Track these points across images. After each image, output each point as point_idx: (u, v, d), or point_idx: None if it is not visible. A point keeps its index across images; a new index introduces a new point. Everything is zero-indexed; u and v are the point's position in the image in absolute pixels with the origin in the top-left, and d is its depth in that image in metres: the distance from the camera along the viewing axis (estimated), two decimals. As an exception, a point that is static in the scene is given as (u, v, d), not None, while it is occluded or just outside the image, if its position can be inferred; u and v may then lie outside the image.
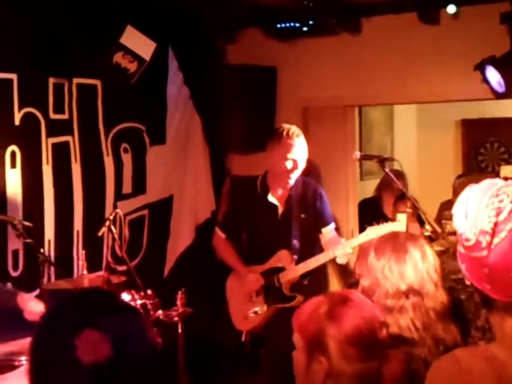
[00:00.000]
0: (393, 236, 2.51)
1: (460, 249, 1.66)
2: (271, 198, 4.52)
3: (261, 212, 4.55)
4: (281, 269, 4.47)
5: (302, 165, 4.42)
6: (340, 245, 4.28)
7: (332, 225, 4.62)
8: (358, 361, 1.93)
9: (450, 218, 6.45)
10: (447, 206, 6.76)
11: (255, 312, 4.35)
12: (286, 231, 4.49)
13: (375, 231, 4.18)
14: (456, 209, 1.68)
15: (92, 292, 1.66)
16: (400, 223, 4.12)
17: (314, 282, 4.64)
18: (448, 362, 1.66)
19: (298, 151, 4.38)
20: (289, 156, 4.35)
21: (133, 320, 1.48)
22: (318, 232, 4.58)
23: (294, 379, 2.08)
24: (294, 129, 4.44)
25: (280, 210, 4.54)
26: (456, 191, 6.54)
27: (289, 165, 4.37)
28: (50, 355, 1.43)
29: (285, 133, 4.38)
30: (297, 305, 4.31)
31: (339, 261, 4.31)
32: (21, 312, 3.66)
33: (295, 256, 4.46)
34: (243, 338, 4.52)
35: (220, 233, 4.73)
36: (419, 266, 2.37)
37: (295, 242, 4.48)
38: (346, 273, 5.85)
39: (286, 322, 4.33)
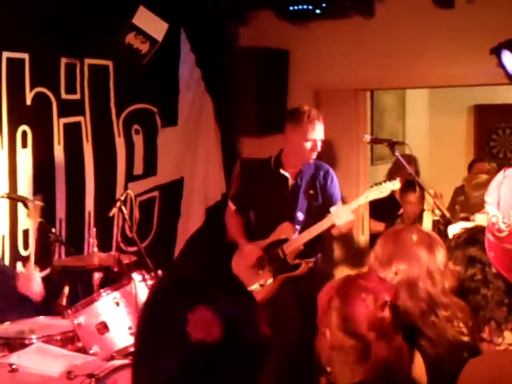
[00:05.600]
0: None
1: (490, 237, 1.59)
2: (282, 171, 4.66)
3: (272, 183, 4.69)
4: (285, 241, 4.57)
5: (319, 146, 4.55)
6: (340, 208, 4.39)
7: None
8: (355, 336, 1.99)
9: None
10: (461, 191, 6.73)
11: (261, 285, 4.43)
12: (293, 204, 4.60)
13: (374, 193, 4.35)
14: (488, 196, 1.60)
15: (215, 268, 1.59)
16: (396, 181, 4.35)
17: (320, 267, 4.73)
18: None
19: (319, 133, 4.51)
20: (310, 137, 4.48)
21: (248, 307, 1.44)
22: (327, 212, 4.60)
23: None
24: (315, 111, 4.56)
25: (290, 182, 4.66)
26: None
27: (309, 146, 4.49)
28: (161, 321, 1.40)
29: (306, 115, 4.49)
30: (302, 274, 4.46)
31: (338, 222, 4.37)
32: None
33: (298, 227, 4.55)
34: None
35: (230, 205, 4.91)
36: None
37: (299, 215, 4.58)
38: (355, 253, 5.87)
39: (287, 297, 4.46)
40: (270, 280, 4.47)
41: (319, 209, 4.59)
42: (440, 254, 2.47)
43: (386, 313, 2.03)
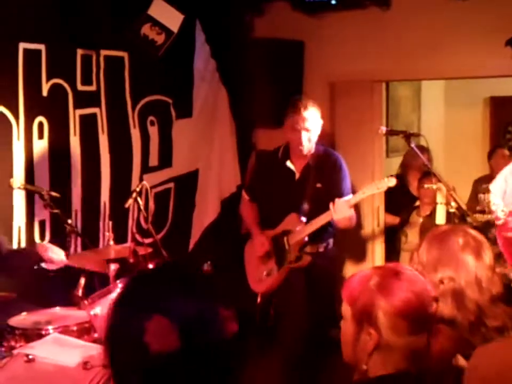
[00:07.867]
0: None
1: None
2: (289, 164, 4.68)
3: (279, 175, 4.72)
4: (291, 232, 4.62)
5: (313, 136, 4.54)
6: (338, 203, 4.35)
7: (349, 197, 4.59)
8: (408, 334, 1.92)
9: (486, 191, 6.40)
10: (485, 179, 6.68)
11: (268, 274, 4.47)
12: (299, 197, 4.61)
13: (371, 189, 4.36)
14: (494, 185, 1.62)
15: (169, 268, 1.53)
16: (392, 179, 4.32)
17: (331, 251, 4.72)
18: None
19: (307, 123, 4.48)
20: (296, 127, 4.48)
21: (208, 307, 1.38)
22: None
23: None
24: (304, 102, 4.52)
25: (297, 176, 4.67)
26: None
27: (298, 136, 4.49)
28: (121, 332, 1.37)
29: (294, 106, 4.50)
30: (305, 265, 4.48)
31: (335, 217, 4.35)
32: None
33: (304, 219, 4.56)
34: (258, 300, 4.68)
35: (244, 195, 5.00)
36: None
37: (306, 207, 4.59)
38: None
39: (297, 283, 4.50)
40: (275, 270, 4.52)
41: (326, 201, 4.51)
42: (488, 257, 2.42)
43: (435, 307, 1.99)
